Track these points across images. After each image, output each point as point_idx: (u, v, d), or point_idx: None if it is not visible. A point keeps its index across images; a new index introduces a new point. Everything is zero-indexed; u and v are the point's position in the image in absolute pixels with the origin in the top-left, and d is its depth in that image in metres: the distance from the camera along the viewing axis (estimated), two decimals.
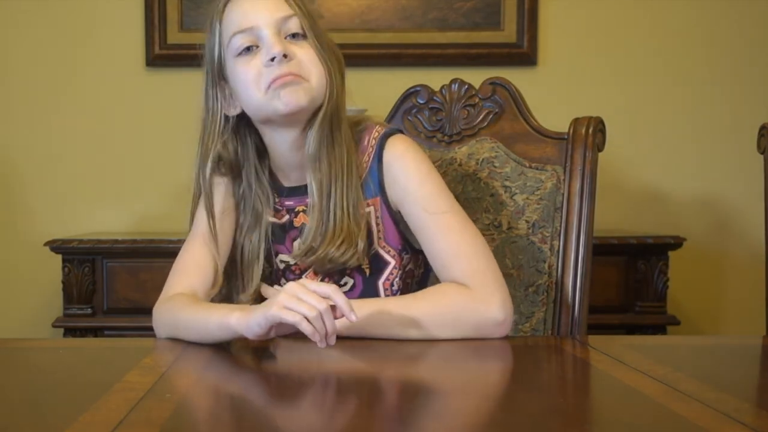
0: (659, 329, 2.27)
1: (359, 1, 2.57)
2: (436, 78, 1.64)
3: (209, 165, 1.30)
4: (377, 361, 1.10)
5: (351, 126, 1.32)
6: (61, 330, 2.27)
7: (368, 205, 1.30)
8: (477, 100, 1.55)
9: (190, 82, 2.50)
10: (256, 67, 1.24)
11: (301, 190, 1.33)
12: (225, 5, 1.28)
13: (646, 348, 1.20)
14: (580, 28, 2.59)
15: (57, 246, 2.24)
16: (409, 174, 1.28)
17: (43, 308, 2.52)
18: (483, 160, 1.52)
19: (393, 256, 1.31)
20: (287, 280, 1.34)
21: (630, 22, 2.60)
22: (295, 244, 1.33)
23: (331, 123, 1.27)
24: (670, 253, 2.28)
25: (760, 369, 1.14)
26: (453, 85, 1.56)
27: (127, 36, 2.56)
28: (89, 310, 2.24)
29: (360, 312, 1.10)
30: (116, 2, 2.57)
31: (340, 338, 1.21)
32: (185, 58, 2.52)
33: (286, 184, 1.35)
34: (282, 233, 1.34)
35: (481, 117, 1.54)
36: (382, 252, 1.31)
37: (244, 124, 1.32)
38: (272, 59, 1.22)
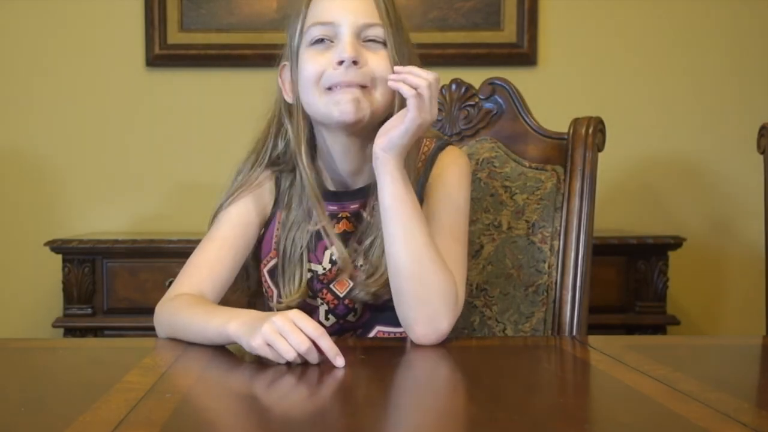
0: (659, 329, 2.27)
1: None
2: None
3: (303, 150, 1.24)
4: (378, 361, 1.10)
5: None
6: (61, 330, 2.27)
7: None
8: (477, 100, 1.54)
9: (190, 82, 2.56)
10: (322, 64, 1.19)
11: (347, 196, 1.28)
12: None
13: (646, 348, 1.20)
14: (580, 28, 2.59)
15: (57, 246, 2.24)
16: (447, 182, 1.25)
17: (43, 308, 2.52)
18: (483, 160, 1.51)
19: None
20: (312, 291, 1.28)
21: (630, 22, 2.60)
22: (327, 256, 1.27)
23: None
24: (670, 253, 2.28)
25: (760, 369, 1.14)
26: (453, 86, 1.56)
27: (127, 36, 2.56)
28: (89, 310, 2.24)
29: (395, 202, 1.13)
30: (116, 2, 2.57)
31: (336, 333, 1.22)
32: (185, 58, 2.57)
33: (330, 188, 1.29)
34: (315, 240, 1.27)
35: (481, 117, 1.54)
36: None
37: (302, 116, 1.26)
38: (341, 62, 1.17)
